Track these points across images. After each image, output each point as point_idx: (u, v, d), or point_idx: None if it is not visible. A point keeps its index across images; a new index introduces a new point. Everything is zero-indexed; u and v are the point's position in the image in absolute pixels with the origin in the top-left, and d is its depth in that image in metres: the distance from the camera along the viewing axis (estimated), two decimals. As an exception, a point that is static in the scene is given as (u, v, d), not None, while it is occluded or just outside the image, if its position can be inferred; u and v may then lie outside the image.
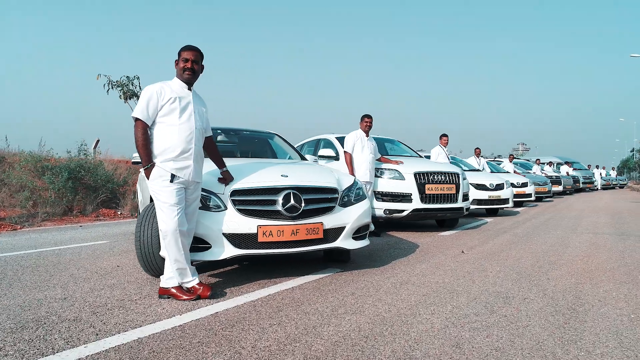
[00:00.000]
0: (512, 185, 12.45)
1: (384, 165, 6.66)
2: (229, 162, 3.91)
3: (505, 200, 9.59)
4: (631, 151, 63.24)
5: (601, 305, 2.87)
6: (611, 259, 4.58)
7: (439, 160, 9.09)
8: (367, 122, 6.43)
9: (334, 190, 3.70)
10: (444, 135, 9.30)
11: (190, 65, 3.07)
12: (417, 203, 6.40)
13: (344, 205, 3.77)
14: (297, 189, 3.45)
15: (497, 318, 2.61)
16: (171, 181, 2.93)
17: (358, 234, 3.83)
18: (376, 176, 6.55)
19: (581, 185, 24.20)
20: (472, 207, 9.28)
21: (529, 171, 17.04)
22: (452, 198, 6.63)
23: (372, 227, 6.35)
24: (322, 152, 7.13)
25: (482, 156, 20.96)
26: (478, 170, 11.01)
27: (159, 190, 2.93)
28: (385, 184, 6.51)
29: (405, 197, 6.43)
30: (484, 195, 9.37)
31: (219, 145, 5.34)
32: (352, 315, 2.66)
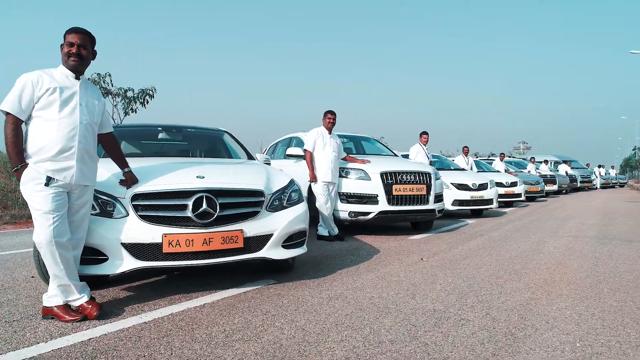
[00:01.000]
0: (501, 185, 12.02)
1: (350, 165, 6.24)
2: (144, 162, 3.51)
3: (489, 201, 9.15)
4: (633, 149, 62.50)
5: (547, 329, 2.45)
6: (582, 267, 4.15)
7: (417, 159, 8.68)
8: (330, 119, 6.01)
9: (258, 193, 3.28)
10: (424, 132, 8.87)
11: (77, 50, 2.65)
12: (383, 205, 5.98)
13: (275, 209, 3.36)
14: (211, 192, 3.03)
15: (415, 347, 2.19)
16: (47, 184, 2.52)
17: (290, 241, 3.41)
18: (341, 176, 6.13)
19: (579, 185, 23.70)
20: (454, 208, 8.85)
21: (522, 170, 16.57)
22: (422, 199, 6.19)
23: (334, 231, 5.95)
24: (290, 151, 6.75)
25: (479, 155, 20.55)
26: (463, 169, 10.57)
27: (31, 195, 2.52)
28: (350, 185, 6.08)
29: (371, 199, 6.01)
30: (466, 195, 8.92)
31: (159, 144, 5.00)
32: (245, 342, 2.25)
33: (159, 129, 4.85)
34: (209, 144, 5.18)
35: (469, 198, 8.93)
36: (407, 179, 6.13)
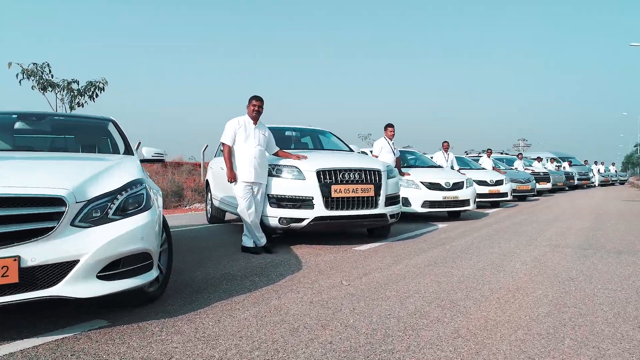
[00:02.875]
0: (484, 183, 10.98)
1: (282, 162, 5.20)
2: None
3: (465, 202, 8.09)
4: (635, 146, 61.28)
5: None
6: (546, 297, 3.10)
7: (382, 154, 7.63)
8: (255, 106, 4.96)
9: (50, 201, 2.24)
10: (389, 125, 7.81)
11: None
12: (320, 209, 4.93)
13: (91, 223, 2.32)
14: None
15: None
16: None
17: (115, 269, 2.37)
18: (271, 175, 5.10)
19: (576, 182, 22.61)
20: (424, 210, 7.81)
21: (512, 167, 15.50)
22: (369, 202, 5.15)
23: (260, 242, 4.93)
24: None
25: (469, 152, 19.50)
26: (440, 167, 9.51)
27: None
28: (281, 185, 5.04)
29: (306, 202, 4.96)
30: (437, 196, 7.87)
31: (15, 136, 3.96)
32: None
33: (14, 116, 3.82)
34: (87, 135, 4.14)
35: (441, 199, 7.88)
36: (350, 177, 5.08)
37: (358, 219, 5.14)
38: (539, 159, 19.09)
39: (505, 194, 11.20)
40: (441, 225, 7.52)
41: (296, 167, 5.09)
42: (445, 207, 7.98)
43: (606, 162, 31.54)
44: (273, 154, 5.28)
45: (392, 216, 5.44)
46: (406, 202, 7.81)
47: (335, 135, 7.24)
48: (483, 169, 12.59)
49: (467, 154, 19.01)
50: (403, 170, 8.20)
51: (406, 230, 6.70)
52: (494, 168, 13.65)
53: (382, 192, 5.25)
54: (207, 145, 14.05)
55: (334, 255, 4.73)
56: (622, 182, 31.91)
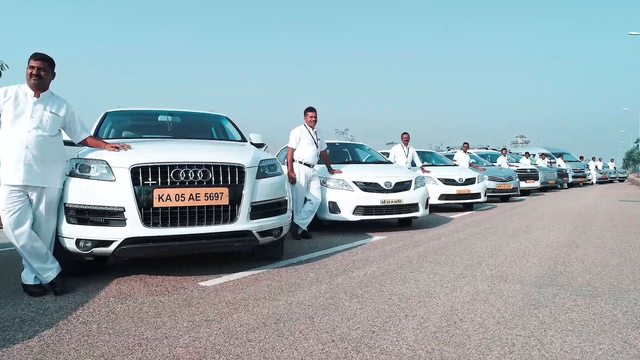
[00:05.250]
0: (452, 182, 9.26)
1: (90, 155, 3.48)
2: None
3: (410, 207, 6.34)
4: (636, 142, 59.38)
5: None
6: None
7: (300, 146, 5.91)
8: (31, 69, 3.24)
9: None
10: (309, 109, 6.06)
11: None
12: (134, 227, 3.21)
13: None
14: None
15: None
16: None
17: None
18: (71, 175, 3.38)
19: (570, 180, 20.85)
20: (356, 218, 6.08)
21: (495, 164, 13.76)
22: (219, 215, 3.43)
23: (45, 278, 3.21)
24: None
25: (452, 148, 17.72)
26: (388, 162, 7.76)
27: None
28: (81, 190, 3.31)
29: (114, 216, 3.24)
30: (374, 200, 6.13)
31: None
32: None
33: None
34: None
35: (378, 203, 6.14)
36: (186, 177, 3.36)
37: (202, 241, 3.41)
38: (527, 155, 17.32)
39: (477, 195, 9.47)
40: (377, 237, 5.81)
41: (105, 162, 3.37)
42: (385, 214, 6.23)
43: (607, 159, 29.77)
44: (80, 143, 3.57)
45: (266, 233, 3.70)
46: (334, 207, 6.10)
47: (231, 121, 5.51)
48: (454, 165, 10.86)
49: (450, 149, 17.23)
50: (336, 167, 6.49)
51: (318, 247, 5.00)
52: (471, 164, 11.93)
53: (244, 198, 3.52)
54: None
55: (161, 296, 3.04)
56: (621, 180, 30.08)
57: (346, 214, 6.07)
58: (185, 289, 3.27)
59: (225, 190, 3.44)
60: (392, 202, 6.20)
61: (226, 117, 5.58)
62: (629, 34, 28.20)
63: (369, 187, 6.21)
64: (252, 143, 4.98)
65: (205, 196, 3.36)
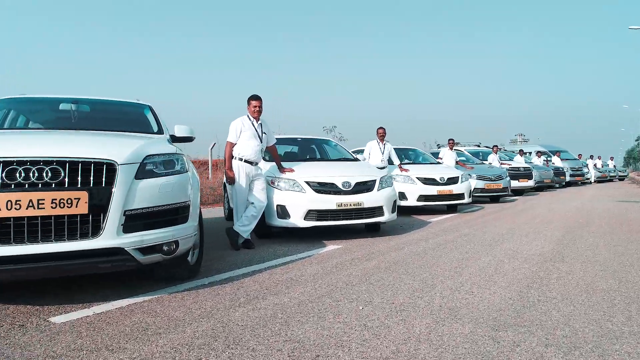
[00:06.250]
0: (433, 182, 8.41)
1: None
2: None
3: (373, 211, 5.47)
4: (637, 140, 58.39)
5: None
6: None
7: (241, 140, 5.05)
8: None
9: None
10: (252, 97, 5.20)
11: None
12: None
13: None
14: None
15: None
16: None
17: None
18: None
19: (568, 179, 19.98)
20: (307, 224, 5.21)
21: (485, 162, 12.89)
22: (73, 228, 2.56)
23: None
24: None
25: (441, 145, 16.84)
26: (356, 160, 6.88)
27: None
28: None
29: None
30: (329, 203, 5.26)
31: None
32: None
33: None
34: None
35: (334, 207, 5.27)
36: (26, 177, 2.50)
37: (46, 263, 2.54)
38: (521, 152, 16.44)
39: (460, 196, 8.60)
40: (332, 246, 4.97)
41: None
42: (343, 219, 5.36)
43: (607, 157, 28.86)
44: None
45: (149, 250, 2.83)
46: (283, 211, 5.23)
47: (153, 112, 4.64)
48: (437, 163, 9.98)
49: (439, 146, 16.34)
50: (288, 165, 5.62)
51: (254, 260, 4.15)
52: (459, 162, 11.06)
53: (114, 204, 2.65)
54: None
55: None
56: (621, 178, 29.20)
57: (296, 219, 5.20)
58: (25, 327, 2.42)
59: (84, 195, 2.57)
60: (350, 205, 5.32)
61: (149, 107, 4.71)
62: (629, 28, 27.39)
63: (324, 187, 5.34)
64: (174, 137, 4.14)
65: (52, 203, 2.50)
